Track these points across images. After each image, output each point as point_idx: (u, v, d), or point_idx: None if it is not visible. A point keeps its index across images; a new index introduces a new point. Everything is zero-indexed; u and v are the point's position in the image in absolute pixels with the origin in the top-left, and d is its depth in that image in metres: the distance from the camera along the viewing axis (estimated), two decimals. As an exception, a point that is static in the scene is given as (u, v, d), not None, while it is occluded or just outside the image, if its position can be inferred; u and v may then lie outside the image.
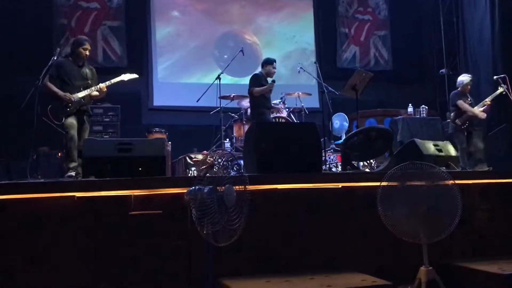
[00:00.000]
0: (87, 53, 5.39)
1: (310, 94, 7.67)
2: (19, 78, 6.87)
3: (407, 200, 2.95)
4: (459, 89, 7.04)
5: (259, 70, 6.80)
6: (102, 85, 5.33)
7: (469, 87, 7.03)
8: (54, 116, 5.08)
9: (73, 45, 5.42)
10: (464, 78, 7.08)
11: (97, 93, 5.33)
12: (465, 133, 6.75)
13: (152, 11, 9.37)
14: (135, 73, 5.70)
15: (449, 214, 2.92)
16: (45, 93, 5.09)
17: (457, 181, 3.70)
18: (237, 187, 2.63)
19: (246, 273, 3.08)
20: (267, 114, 6.56)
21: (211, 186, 2.56)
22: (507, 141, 4.50)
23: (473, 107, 6.82)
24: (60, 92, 5.11)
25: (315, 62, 6.61)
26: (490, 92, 7.19)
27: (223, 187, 2.57)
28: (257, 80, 6.53)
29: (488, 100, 6.79)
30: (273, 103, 7.11)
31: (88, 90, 5.25)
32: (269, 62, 6.59)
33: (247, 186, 2.66)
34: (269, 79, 6.49)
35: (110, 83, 5.40)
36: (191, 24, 9.59)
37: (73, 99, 5.13)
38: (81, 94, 5.22)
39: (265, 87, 6.38)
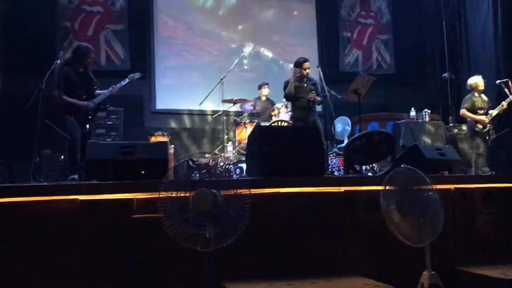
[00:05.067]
0: (91, 61, 5.52)
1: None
2: (22, 81, 6.91)
3: (401, 204, 2.97)
4: (471, 92, 7.03)
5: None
6: (115, 90, 5.44)
7: (479, 87, 6.97)
8: (82, 127, 5.22)
9: (77, 52, 5.38)
10: (472, 80, 7.08)
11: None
12: (486, 137, 6.66)
13: (155, 14, 9.38)
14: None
15: (436, 219, 2.93)
16: (64, 106, 5.16)
17: (460, 185, 3.74)
18: (222, 191, 2.60)
19: (249, 276, 3.08)
20: None
21: (176, 191, 2.57)
22: (509, 145, 4.49)
23: (487, 108, 6.78)
24: (79, 102, 5.20)
25: (317, 66, 6.56)
26: (493, 96, 7.18)
27: (192, 192, 2.56)
28: None
29: (504, 103, 6.70)
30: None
31: (102, 95, 5.35)
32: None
33: (239, 191, 2.62)
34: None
35: (120, 86, 5.51)
36: (194, 28, 9.61)
37: (92, 107, 5.26)
38: (97, 100, 5.32)
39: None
